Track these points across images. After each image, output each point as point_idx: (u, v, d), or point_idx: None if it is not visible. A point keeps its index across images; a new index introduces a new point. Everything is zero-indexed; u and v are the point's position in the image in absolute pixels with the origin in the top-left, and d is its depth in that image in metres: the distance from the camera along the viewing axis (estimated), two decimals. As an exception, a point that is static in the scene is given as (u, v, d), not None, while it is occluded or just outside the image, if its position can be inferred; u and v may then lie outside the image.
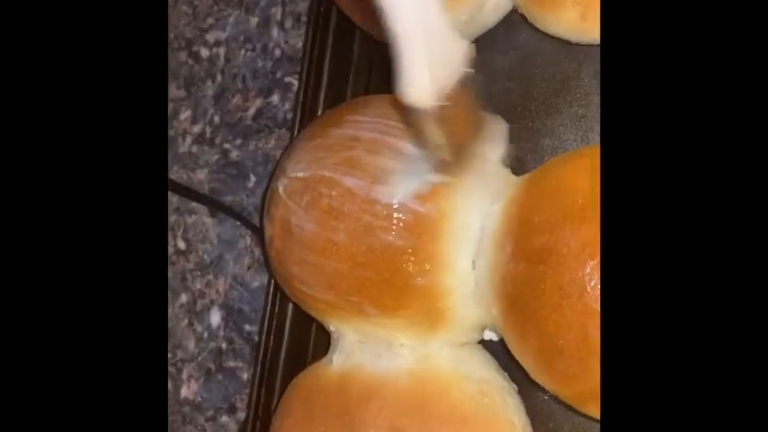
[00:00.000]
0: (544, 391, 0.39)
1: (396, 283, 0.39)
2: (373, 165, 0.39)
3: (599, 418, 0.37)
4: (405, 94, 0.31)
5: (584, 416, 0.39)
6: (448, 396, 0.38)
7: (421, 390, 0.39)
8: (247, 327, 0.55)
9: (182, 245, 0.58)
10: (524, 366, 0.38)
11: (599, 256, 0.33)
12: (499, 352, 0.43)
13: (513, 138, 0.46)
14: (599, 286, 0.33)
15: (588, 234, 0.34)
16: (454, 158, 0.35)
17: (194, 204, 0.58)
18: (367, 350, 0.41)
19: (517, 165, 0.46)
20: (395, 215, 0.39)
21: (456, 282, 0.39)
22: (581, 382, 0.35)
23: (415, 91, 0.31)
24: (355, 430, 0.38)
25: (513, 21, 0.45)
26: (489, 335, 0.44)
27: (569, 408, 0.39)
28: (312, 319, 0.49)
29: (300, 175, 0.41)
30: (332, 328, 0.43)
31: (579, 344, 0.34)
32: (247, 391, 0.54)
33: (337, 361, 0.42)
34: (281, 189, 0.42)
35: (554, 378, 0.36)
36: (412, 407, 0.38)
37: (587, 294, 0.34)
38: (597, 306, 0.33)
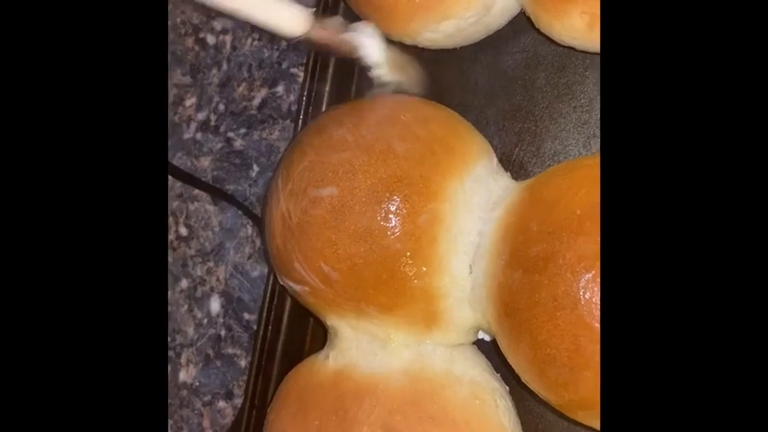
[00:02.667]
0: (535, 393, 0.40)
1: (393, 284, 0.39)
2: (375, 168, 0.39)
3: (587, 425, 0.38)
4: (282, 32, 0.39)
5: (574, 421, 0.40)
6: (440, 397, 0.39)
7: (414, 390, 0.39)
8: (246, 315, 0.56)
9: (183, 231, 0.59)
10: (516, 371, 0.39)
11: (595, 270, 0.34)
12: (492, 352, 0.44)
13: (516, 141, 0.47)
14: (593, 299, 0.34)
15: (585, 246, 0.34)
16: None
17: (197, 191, 0.58)
18: (362, 347, 0.42)
19: (518, 169, 0.46)
20: (394, 218, 0.39)
21: (452, 285, 0.40)
22: (571, 391, 0.35)
23: (286, 26, 0.40)
24: (349, 427, 0.39)
25: (521, 23, 0.45)
26: (483, 335, 0.45)
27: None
28: (310, 312, 0.49)
29: (303, 173, 0.42)
30: (329, 324, 0.44)
31: (571, 354, 0.34)
32: (245, 377, 0.55)
33: (333, 357, 0.43)
34: (282, 185, 0.42)
35: (545, 385, 0.37)
36: (405, 406, 0.39)
37: (581, 306, 0.34)
38: (590, 319, 0.34)
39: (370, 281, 0.40)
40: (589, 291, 0.34)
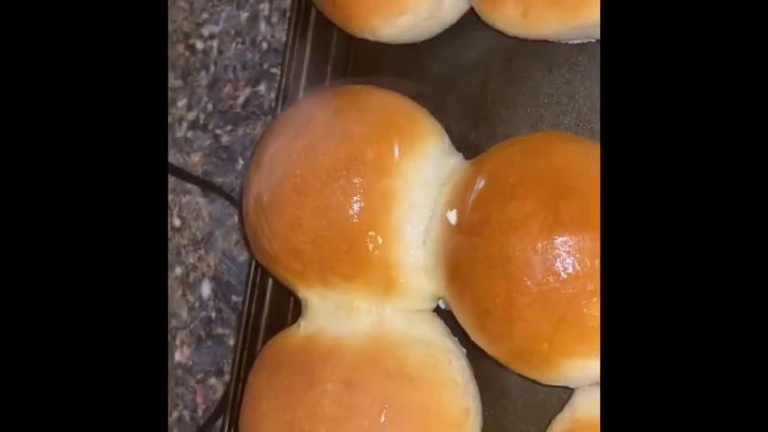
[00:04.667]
0: (488, 355, 0.44)
1: (353, 254, 0.43)
2: (334, 149, 0.44)
3: (528, 375, 0.41)
4: None
5: (523, 377, 0.43)
6: (397, 356, 0.43)
7: (373, 349, 0.43)
8: (234, 297, 0.60)
9: (177, 222, 0.64)
10: (465, 330, 0.43)
11: (524, 230, 0.38)
12: (450, 319, 0.47)
13: (472, 126, 0.51)
14: (523, 256, 0.37)
15: (515, 210, 0.38)
16: None
17: (188, 185, 0.63)
18: (329, 315, 0.46)
19: (474, 150, 0.50)
20: (354, 195, 0.43)
21: (407, 254, 0.44)
22: (507, 342, 0.39)
23: None
24: (314, 383, 0.43)
25: (472, 19, 0.49)
26: (443, 304, 0.48)
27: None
28: (290, 291, 0.54)
29: (273, 157, 0.46)
30: (300, 296, 0.48)
31: (505, 307, 0.38)
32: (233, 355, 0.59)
33: (304, 325, 0.47)
34: (255, 170, 0.47)
35: (486, 339, 0.40)
36: (364, 364, 0.43)
37: (512, 264, 0.38)
38: (520, 274, 0.38)
39: (332, 252, 0.44)
40: (518, 249, 0.38)
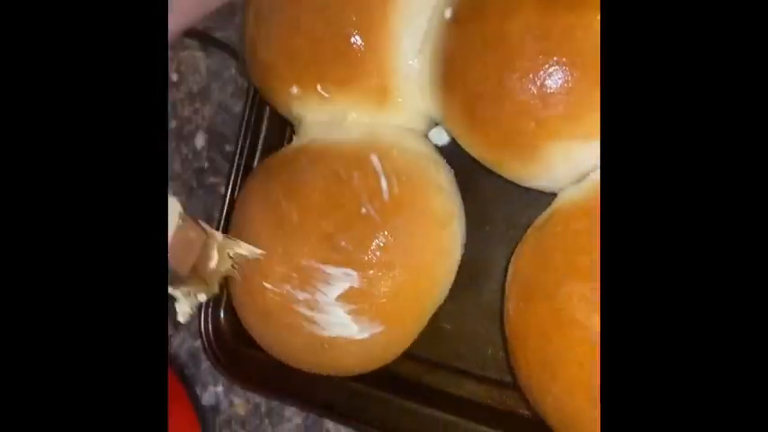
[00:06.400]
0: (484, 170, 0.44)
1: (349, 56, 0.44)
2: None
3: (511, 173, 0.42)
4: None
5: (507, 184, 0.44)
6: (386, 154, 0.44)
7: (363, 148, 0.44)
8: (227, 147, 0.61)
9: (174, 77, 0.64)
10: (455, 132, 0.43)
11: (518, 10, 0.38)
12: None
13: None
14: (517, 35, 0.38)
15: (511, -8, 0.39)
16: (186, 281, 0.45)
17: (187, 40, 0.64)
18: (322, 127, 0.47)
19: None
20: (351, -3, 0.44)
21: (403, 64, 0.44)
22: (495, 127, 0.40)
23: None
24: (305, 182, 0.44)
25: None
26: (438, 138, 0.49)
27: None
28: (284, 138, 0.54)
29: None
30: (294, 113, 0.48)
31: (495, 87, 0.39)
32: (224, 202, 0.59)
33: (296, 140, 0.48)
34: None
35: (475, 128, 0.41)
36: (354, 160, 0.43)
37: (505, 43, 0.38)
38: (514, 52, 0.38)
39: (328, 52, 0.44)
40: (513, 29, 0.38)
